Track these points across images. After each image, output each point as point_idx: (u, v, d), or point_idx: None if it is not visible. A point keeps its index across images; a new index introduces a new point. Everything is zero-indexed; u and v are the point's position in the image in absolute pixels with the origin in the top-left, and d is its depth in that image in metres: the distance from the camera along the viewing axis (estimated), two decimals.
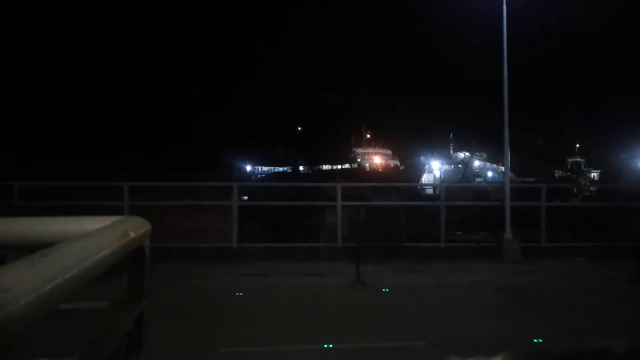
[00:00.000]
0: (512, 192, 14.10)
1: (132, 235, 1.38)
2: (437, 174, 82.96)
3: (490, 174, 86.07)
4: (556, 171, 75.57)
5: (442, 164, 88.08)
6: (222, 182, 14.29)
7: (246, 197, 17.38)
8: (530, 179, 55.26)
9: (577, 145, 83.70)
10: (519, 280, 10.35)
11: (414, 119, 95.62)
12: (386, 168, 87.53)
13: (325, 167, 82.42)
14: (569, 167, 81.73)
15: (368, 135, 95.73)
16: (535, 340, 6.45)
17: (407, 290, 9.39)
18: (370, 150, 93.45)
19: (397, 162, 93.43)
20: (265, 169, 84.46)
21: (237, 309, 7.99)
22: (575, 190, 30.34)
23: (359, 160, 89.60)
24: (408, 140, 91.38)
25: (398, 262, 11.62)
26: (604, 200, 17.80)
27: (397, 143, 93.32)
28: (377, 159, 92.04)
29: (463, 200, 19.31)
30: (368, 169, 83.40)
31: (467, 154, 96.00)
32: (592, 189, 33.61)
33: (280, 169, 78.77)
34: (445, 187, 16.16)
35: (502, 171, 33.24)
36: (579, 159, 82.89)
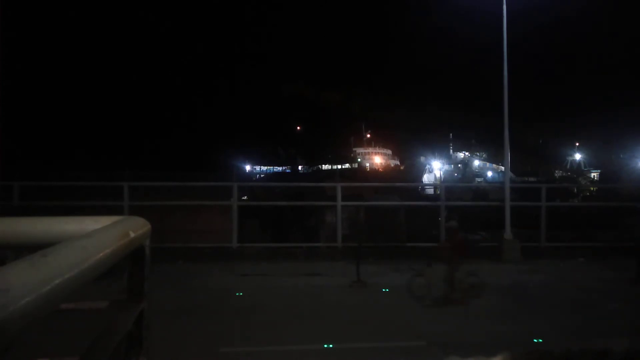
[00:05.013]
0: (512, 192, 14.11)
1: (132, 235, 1.38)
2: (438, 174, 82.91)
3: (490, 174, 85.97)
4: (556, 171, 75.55)
5: (443, 164, 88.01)
6: (222, 182, 14.29)
7: (246, 197, 17.37)
8: (530, 179, 55.21)
9: (577, 145, 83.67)
10: (519, 280, 10.35)
11: (414, 119, 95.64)
12: (386, 168, 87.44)
13: (325, 167, 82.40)
14: (569, 167, 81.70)
15: (368, 135, 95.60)
16: (535, 340, 6.45)
17: (407, 290, 9.38)
18: (370, 150, 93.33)
19: (397, 162, 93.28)
20: (264, 168, 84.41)
21: (237, 309, 8.00)
22: (575, 190, 30.29)
23: (359, 160, 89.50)
24: (408, 140, 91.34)
25: (398, 262, 11.62)
26: (604, 200, 17.79)
27: (397, 143, 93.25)
28: (377, 159, 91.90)
29: (463, 200, 19.28)
30: (368, 169, 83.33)
31: (467, 154, 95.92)
32: (592, 189, 33.60)
33: (280, 168, 78.80)
34: (445, 187, 16.17)
35: (502, 171, 33.22)
36: (579, 159, 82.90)
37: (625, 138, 58.33)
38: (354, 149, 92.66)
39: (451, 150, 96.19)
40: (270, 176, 72.23)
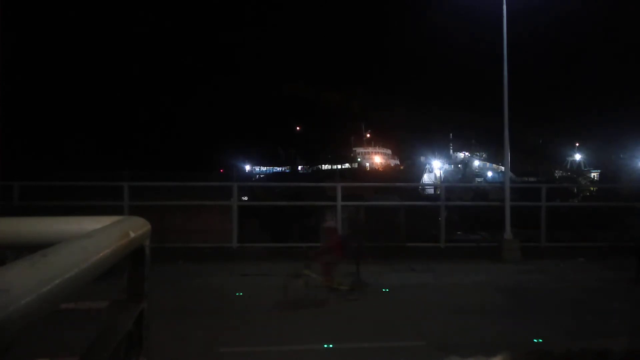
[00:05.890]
0: (512, 192, 14.10)
1: (132, 235, 1.38)
2: (438, 173, 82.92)
3: (490, 174, 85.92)
4: (556, 171, 75.51)
5: (443, 164, 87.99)
6: (222, 182, 14.29)
7: (246, 197, 17.38)
8: (530, 179, 55.22)
9: (577, 145, 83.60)
10: (519, 280, 10.34)
11: (413, 119, 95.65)
12: (386, 168, 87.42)
13: (325, 167, 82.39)
14: (569, 167, 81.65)
15: (368, 135, 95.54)
16: (535, 340, 6.45)
17: (407, 290, 9.39)
18: (370, 149, 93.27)
19: (397, 162, 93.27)
20: (264, 169, 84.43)
21: (237, 309, 8.00)
22: (575, 190, 30.29)
23: (359, 159, 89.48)
24: (408, 140, 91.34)
25: (398, 262, 11.62)
26: (604, 200, 17.80)
27: (397, 143, 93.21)
28: (377, 159, 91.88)
29: (463, 200, 19.30)
30: (368, 169, 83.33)
31: (467, 154, 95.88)
32: (592, 188, 33.60)
33: (279, 168, 78.79)
34: (446, 187, 16.19)
35: (502, 171, 33.22)
36: (579, 159, 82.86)
37: (625, 138, 58.29)
38: (353, 149, 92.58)
39: (451, 150, 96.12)
40: (270, 176, 72.26)
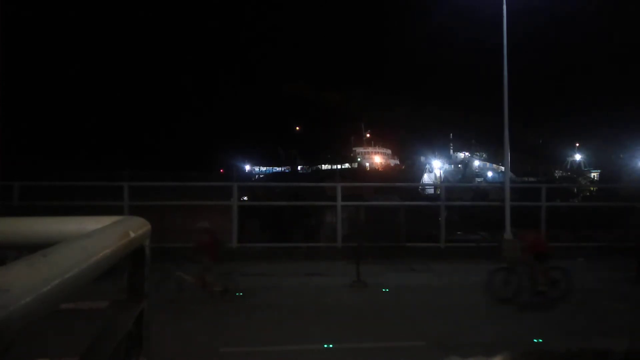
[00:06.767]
0: (513, 192, 14.09)
1: (132, 235, 1.38)
2: (438, 173, 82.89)
3: (490, 174, 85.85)
4: (556, 171, 75.51)
5: (443, 164, 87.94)
6: (222, 182, 14.28)
7: (246, 197, 17.39)
8: (530, 179, 55.25)
9: (577, 145, 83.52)
10: None
11: (413, 119, 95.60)
12: (386, 167, 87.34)
13: (325, 167, 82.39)
14: (569, 167, 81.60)
15: (368, 135, 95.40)
16: (535, 340, 6.45)
17: (407, 290, 9.39)
18: (370, 149, 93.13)
19: (397, 162, 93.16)
20: (264, 169, 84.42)
21: (237, 309, 8.00)
22: (575, 190, 30.30)
23: (359, 159, 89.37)
24: (408, 140, 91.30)
25: (398, 262, 11.62)
26: (604, 200, 17.79)
27: (397, 142, 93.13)
28: (377, 159, 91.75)
29: (463, 200, 19.29)
30: (368, 169, 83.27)
31: (467, 154, 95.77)
32: (592, 188, 33.63)
33: (279, 169, 78.81)
34: (446, 187, 16.19)
35: (502, 171, 33.23)
36: (579, 159, 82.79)
37: (625, 138, 58.29)
38: (353, 149, 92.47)
39: (451, 150, 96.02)
40: (270, 176, 72.28)
